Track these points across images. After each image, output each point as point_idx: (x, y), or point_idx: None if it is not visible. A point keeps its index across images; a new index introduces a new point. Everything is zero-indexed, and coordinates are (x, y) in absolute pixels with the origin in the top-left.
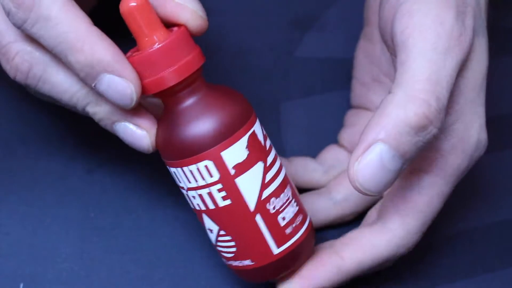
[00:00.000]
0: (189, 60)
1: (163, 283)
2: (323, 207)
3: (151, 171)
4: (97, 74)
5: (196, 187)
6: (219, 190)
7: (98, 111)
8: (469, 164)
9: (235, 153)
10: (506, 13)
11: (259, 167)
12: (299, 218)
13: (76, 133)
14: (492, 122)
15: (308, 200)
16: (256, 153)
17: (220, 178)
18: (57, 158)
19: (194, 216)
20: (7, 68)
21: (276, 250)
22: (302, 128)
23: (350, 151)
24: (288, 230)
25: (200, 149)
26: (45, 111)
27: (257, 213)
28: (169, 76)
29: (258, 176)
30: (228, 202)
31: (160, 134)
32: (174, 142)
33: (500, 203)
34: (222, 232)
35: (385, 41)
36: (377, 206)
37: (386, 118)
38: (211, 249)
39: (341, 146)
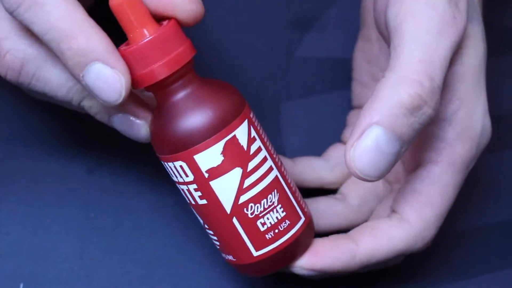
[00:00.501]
0: (180, 52)
1: (163, 283)
2: (341, 213)
3: (151, 171)
4: (88, 63)
5: (178, 182)
6: (195, 190)
7: (94, 104)
8: (477, 152)
9: (209, 157)
10: (505, 13)
11: (236, 172)
12: (285, 224)
13: (76, 133)
14: (492, 122)
15: (325, 206)
16: (233, 158)
17: (194, 179)
18: (57, 158)
19: (194, 216)
20: None
21: (255, 253)
22: (302, 128)
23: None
24: (268, 235)
25: (177, 149)
26: (45, 111)
27: (233, 216)
28: (159, 69)
29: (234, 181)
30: (204, 201)
31: (151, 126)
32: (159, 136)
33: (500, 203)
34: (206, 226)
35: (381, 33)
36: (384, 202)
37: (379, 101)
38: (211, 249)
39: (345, 144)
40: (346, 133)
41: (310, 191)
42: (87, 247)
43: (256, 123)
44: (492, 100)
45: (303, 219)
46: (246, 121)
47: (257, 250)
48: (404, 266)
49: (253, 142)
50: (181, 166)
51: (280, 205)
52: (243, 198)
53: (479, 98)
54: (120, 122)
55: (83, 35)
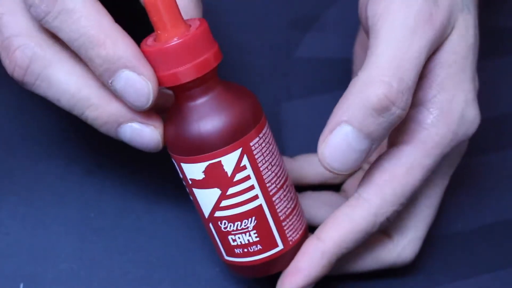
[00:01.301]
0: (207, 58)
1: (163, 283)
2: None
3: (151, 172)
4: (116, 70)
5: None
6: (185, 186)
7: (101, 114)
8: (454, 140)
9: (192, 170)
10: (505, 13)
11: (214, 191)
12: (256, 247)
13: (76, 134)
14: (492, 122)
15: (325, 200)
16: (213, 179)
17: (183, 179)
18: (57, 158)
19: (194, 217)
20: (6, 62)
21: (226, 257)
22: (302, 128)
23: None
24: (237, 251)
25: (171, 150)
26: (45, 111)
27: (210, 222)
28: (185, 72)
29: (212, 198)
30: (191, 197)
31: (168, 125)
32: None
33: (500, 203)
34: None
35: (364, 30)
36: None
37: (349, 100)
38: (211, 249)
39: None
40: None
41: (315, 188)
42: (87, 247)
43: (259, 149)
44: (492, 100)
45: (280, 247)
46: (239, 149)
47: (227, 255)
48: (404, 266)
49: (241, 171)
50: (175, 164)
51: (254, 231)
52: (218, 214)
53: (461, 86)
54: (130, 132)
55: (111, 42)
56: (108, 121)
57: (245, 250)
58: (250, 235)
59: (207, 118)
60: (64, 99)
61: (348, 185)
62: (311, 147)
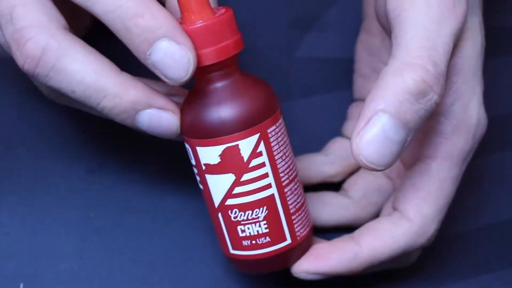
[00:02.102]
0: (231, 43)
1: (163, 283)
2: (342, 206)
3: (152, 171)
4: (155, 40)
5: (191, 163)
6: (196, 174)
7: (119, 103)
8: (473, 144)
9: (208, 154)
10: (505, 13)
11: (228, 177)
12: (264, 239)
13: (76, 133)
14: (492, 122)
15: (325, 199)
16: (229, 164)
17: (195, 165)
18: (57, 158)
19: (195, 216)
20: (17, 54)
21: (231, 250)
22: (302, 128)
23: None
24: (245, 242)
25: (187, 134)
26: (46, 111)
27: (219, 211)
28: (209, 54)
29: (225, 184)
30: (201, 187)
31: (185, 109)
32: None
33: (500, 203)
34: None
35: (382, 25)
36: (390, 200)
37: (383, 88)
38: (211, 249)
39: (345, 138)
40: (347, 126)
41: (315, 188)
42: (87, 247)
43: (275, 137)
44: (492, 100)
45: (288, 241)
46: (257, 135)
47: (233, 248)
48: (405, 266)
49: (257, 157)
50: (188, 148)
51: (265, 222)
52: (229, 201)
53: (475, 90)
54: (148, 119)
55: (149, 12)
56: (126, 109)
57: (253, 242)
58: (260, 226)
59: (227, 102)
60: (80, 90)
61: (349, 184)
62: (311, 147)
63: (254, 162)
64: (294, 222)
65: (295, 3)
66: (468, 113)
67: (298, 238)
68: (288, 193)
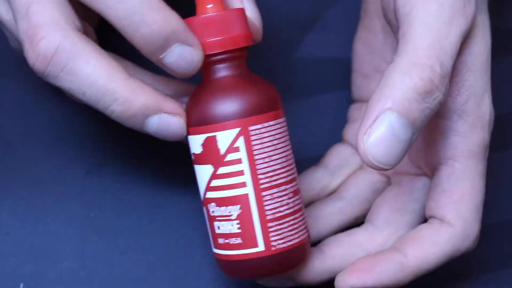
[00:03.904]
0: (237, 36)
1: (163, 283)
2: (335, 212)
3: (152, 171)
4: (170, 45)
5: None
6: (192, 162)
7: (129, 108)
8: (489, 138)
9: (194, 143)
10: (505, 13)
11: (208, 168)
12: (235, 240)
13: (76, 134)
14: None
15: (317, 212)
16: (209, 155)
17: (191, 153)
18: (57, 158)
19: (195, 216)
20: (29, 52)
21: (213, 248)
22: (302, 128)
23: (356, 147)
24: (220, 240)
25: (188, 124)
26: (46, 111)
27: (204, 205)
28: (213, 43)
29: (206, 175)
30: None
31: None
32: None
33: (500, 203)
34: None
35: (389, 22)
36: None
37: (390, 87)
38: (211, 249)
39: (346, 142)
40: (347, 130)
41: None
42: (87, 246)
43: (258, 137)
44: (492, 100)
45: (260, 248)
46: (237, 129)
47: (214, 246)
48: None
49: (233, 152)
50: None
51: (237, 221)
52: (208, 195)
53: (485, 87)
54: (157, 123)
55: (162, 18)
56: (136, 114)
57: (227, 241)
58: (232, 225)
59: (218, 92)
60: (90, 93)
61: (339, 188)
62: (311, 147)
63: (231, 157)
64: (270, 230)
65: (295, 3)
66: (482, 110)
67: (273, 248)
68: (267, 197)
